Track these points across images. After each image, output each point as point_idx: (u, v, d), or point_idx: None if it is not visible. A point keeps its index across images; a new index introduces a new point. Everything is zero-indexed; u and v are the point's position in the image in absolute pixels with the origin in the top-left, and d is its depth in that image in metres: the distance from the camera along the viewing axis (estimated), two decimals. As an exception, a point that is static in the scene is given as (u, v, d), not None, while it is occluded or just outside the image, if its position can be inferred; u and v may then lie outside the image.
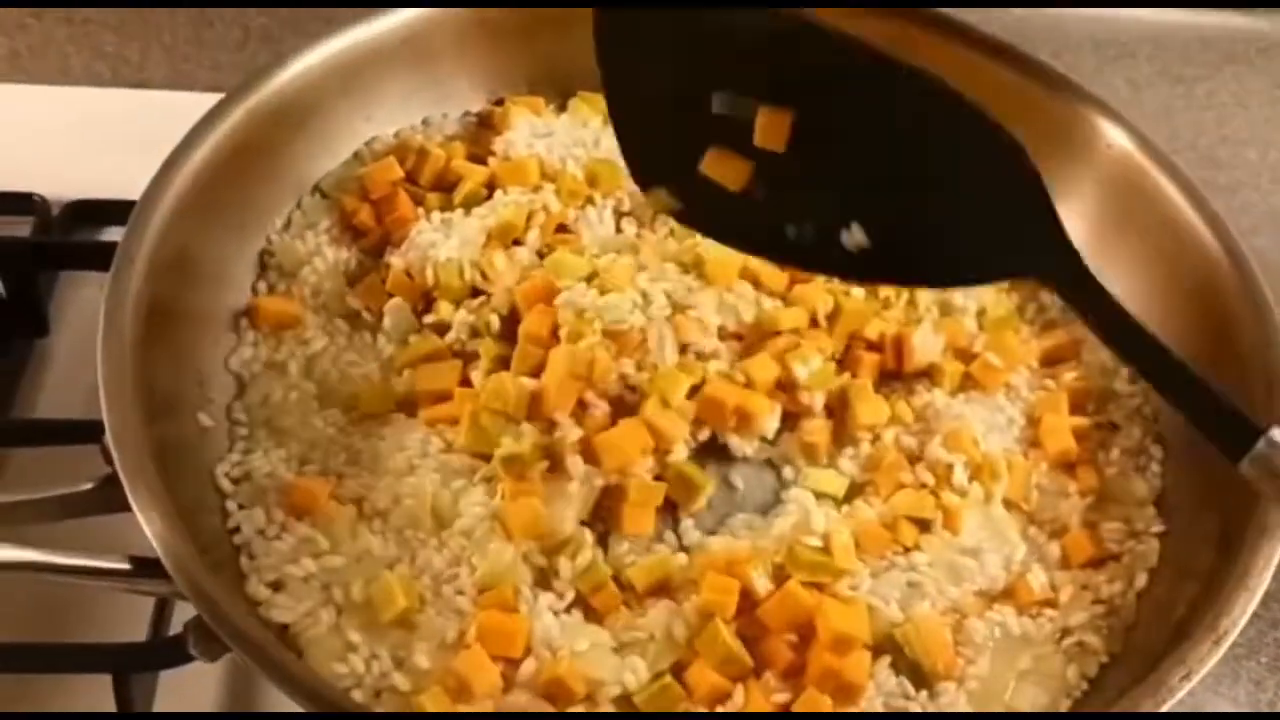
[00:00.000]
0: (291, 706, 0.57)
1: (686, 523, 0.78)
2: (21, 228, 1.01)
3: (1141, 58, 1.38)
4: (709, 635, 0.69)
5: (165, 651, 0.71)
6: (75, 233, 1.02)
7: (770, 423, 0.81)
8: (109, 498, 0.64)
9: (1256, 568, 0.67)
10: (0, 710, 0.72)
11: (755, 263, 0.84)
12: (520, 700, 0.67)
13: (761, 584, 0.71)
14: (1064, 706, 0.71)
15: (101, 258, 0.94)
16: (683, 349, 0.81)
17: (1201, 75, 1.38)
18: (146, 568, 0.62)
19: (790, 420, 0.83)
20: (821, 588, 0.72)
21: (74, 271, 0.98)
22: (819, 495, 0.78)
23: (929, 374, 0.86)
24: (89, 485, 0.65)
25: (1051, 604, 0.76)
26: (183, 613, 0.76)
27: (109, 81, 1.21)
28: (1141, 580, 0.77)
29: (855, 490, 0.80)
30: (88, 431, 0.76)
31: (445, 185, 0.91)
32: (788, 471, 0.81)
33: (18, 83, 1.18)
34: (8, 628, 0.76)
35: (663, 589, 0.74)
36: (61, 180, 1.05)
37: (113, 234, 1.02)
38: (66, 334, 0.97)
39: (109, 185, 1.03)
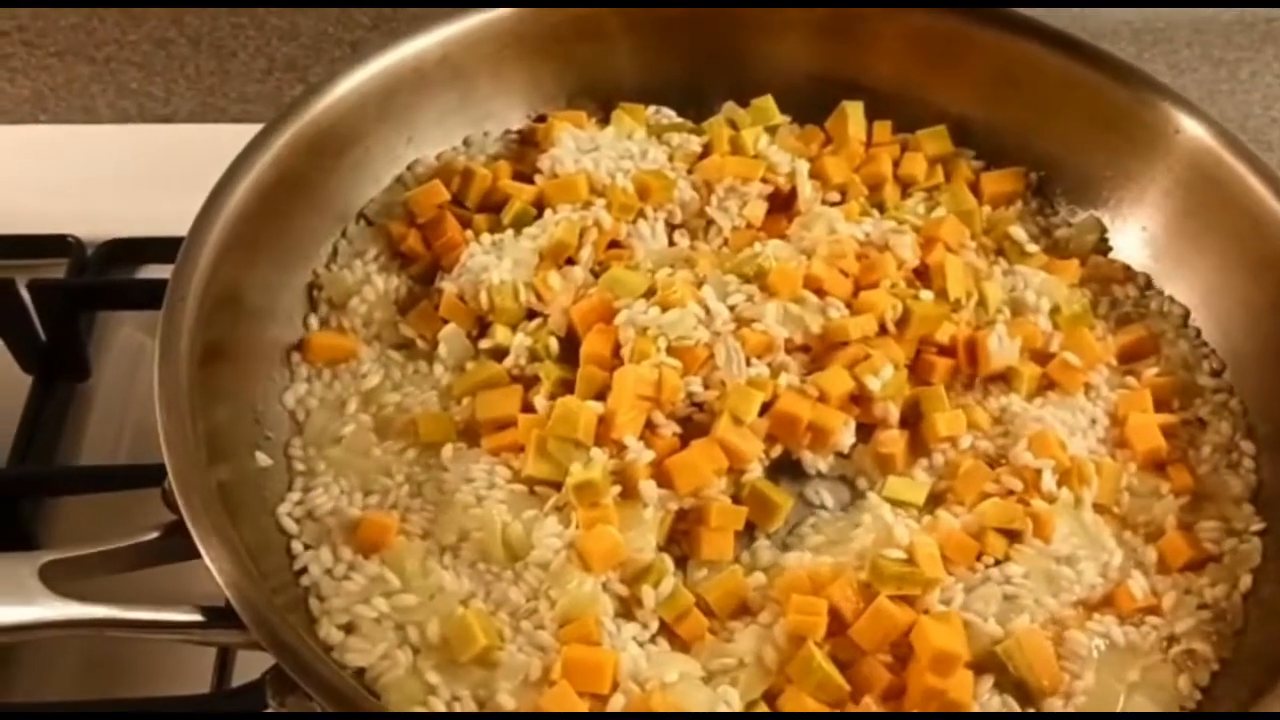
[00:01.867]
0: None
1: (761, 542, 0.75)
2: (57, 270, 1.00)
3: (1180, 42, 1.36)
4: (802, 660, 0.66)
5: (233, 703, 0.69)
6: (111, 272, 1.00)
7: (845, 437, 0.78)
8: (175, 546, 0.62)
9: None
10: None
11: (819, 270, 0.82)
12: (612, 738, 0.64)
13: (850, 602, 0.68)
14: (1181, 720, 0.68)
15: (140, 296, 0.93)
16: (750, 363, 0.78)
17: (1244, 57, 1.35)
18: (219, 618, 0.59)
19: (864, 432, 0.80)
20: (912, 602, 0.69)
21: (111, 312, 0.96)
22: (898, 504, 0.75)
23: (1005, 377, 0.83)
24: (155, 535, 0.62)
25: (1155, 611, 0.73)
26: (244, 662, 0.73)
27: (135, 118, 1.19)
28: (1246, 581, 0.74)
29: (935, 500, 0.77)
30: (143, 476, 0.74)
31: (493, 206, 0.88)
32: (863, 484, 0.78)
33: (44, 123, 1.16)
34: (64, 685, 0.73)
35: (743, 609, 0.71)
36: (94, 220, 1.03)
37: (149, 272, 1.01)
38: (107, 376, 0.95)
39: (142, 223, 1.01)
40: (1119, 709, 0.68)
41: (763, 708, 0.66)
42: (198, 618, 0.60)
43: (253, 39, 1.27)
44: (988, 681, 0.67)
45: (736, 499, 0.76)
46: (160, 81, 1.22)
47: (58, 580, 0.58)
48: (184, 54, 1.25)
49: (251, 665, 0.64)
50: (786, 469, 0.79)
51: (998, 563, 0.72)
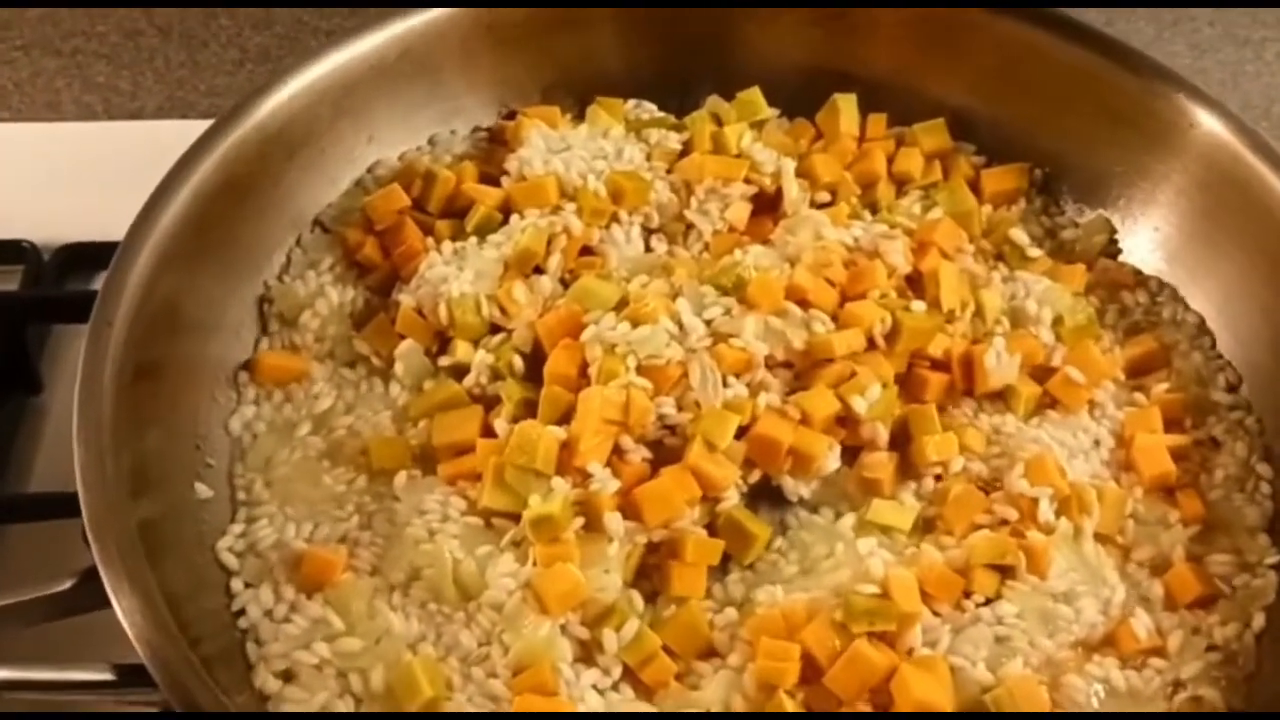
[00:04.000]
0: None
1: (733, 575, 0.70)
2: (11, 277, 0.95)
3: (1202, 20, 1.28)
4: (773, 712, 0.61)
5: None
6: (68, 280, 0.96)
7: (829, 462, 0.73)
8: (93, 594, 0.57)
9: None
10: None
11: (803, 280, 0.76)
12: (565, 799, 0.59)
13: (824, 646, 0.63)
14: (1184, 775, 0.63)
15: (89, 309, 0.88)
16: (727, 382, 0.73)
17: (1270, 36, 1.27)
18: (135, 676, 0.55)
19: (849, 454, 0.74)
20: (893, 644, 0.64)
21: (66, 325, 0.92)
22: (884, 530, 0.70)
23: (1002, 395, 0.77)
24: (69, 583, 0.58)
25: (1159, 653, 0.68)
26: None
27: (101, 114, 1.14)
28: (1259, 620, 0.69)
29: (925, 526, 0.72)
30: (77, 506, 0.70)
31: (456, 211, 0.83)
32: (848, 518, 0.72)
33: (6, 121, 1.12)
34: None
35: (711, 651, 0.67)
36: (53, 224, 0.99)
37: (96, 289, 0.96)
38: (60, 390, 0.91)
39: (103, 226, 0.96)
40: (1118, 763, 0.63)
41: (729, 764, 0.61)
42: (109, 677, 0.55)
43: (225, 28, 1.22)
44: (975, 734, 0.62)
45: (711, 528, 0.71)
46: (128, 75, 1.18)
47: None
48: (153, 45, 1.20)
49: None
50: (766, 495, 0.74)
51: (989, 601, 0.67)
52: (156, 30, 1.21)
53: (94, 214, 0.96)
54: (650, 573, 0.70)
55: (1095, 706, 0.65)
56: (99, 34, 1.20)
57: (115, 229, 0.92)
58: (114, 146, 1.06)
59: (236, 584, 0.67)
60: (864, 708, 0.63)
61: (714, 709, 0.63)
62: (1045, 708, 0.63)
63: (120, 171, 0.99)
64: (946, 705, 0.62)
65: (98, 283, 0.94)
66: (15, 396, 0.89)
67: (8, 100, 1.14)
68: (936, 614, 0.66)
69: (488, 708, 0.62)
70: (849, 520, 0.71)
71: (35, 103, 1.14)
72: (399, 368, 0.77)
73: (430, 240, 0.81)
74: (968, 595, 0.67)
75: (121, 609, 0.55)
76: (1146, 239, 0.86)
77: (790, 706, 0.62)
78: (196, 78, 1.18)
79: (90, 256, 0.96)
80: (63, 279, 0.96)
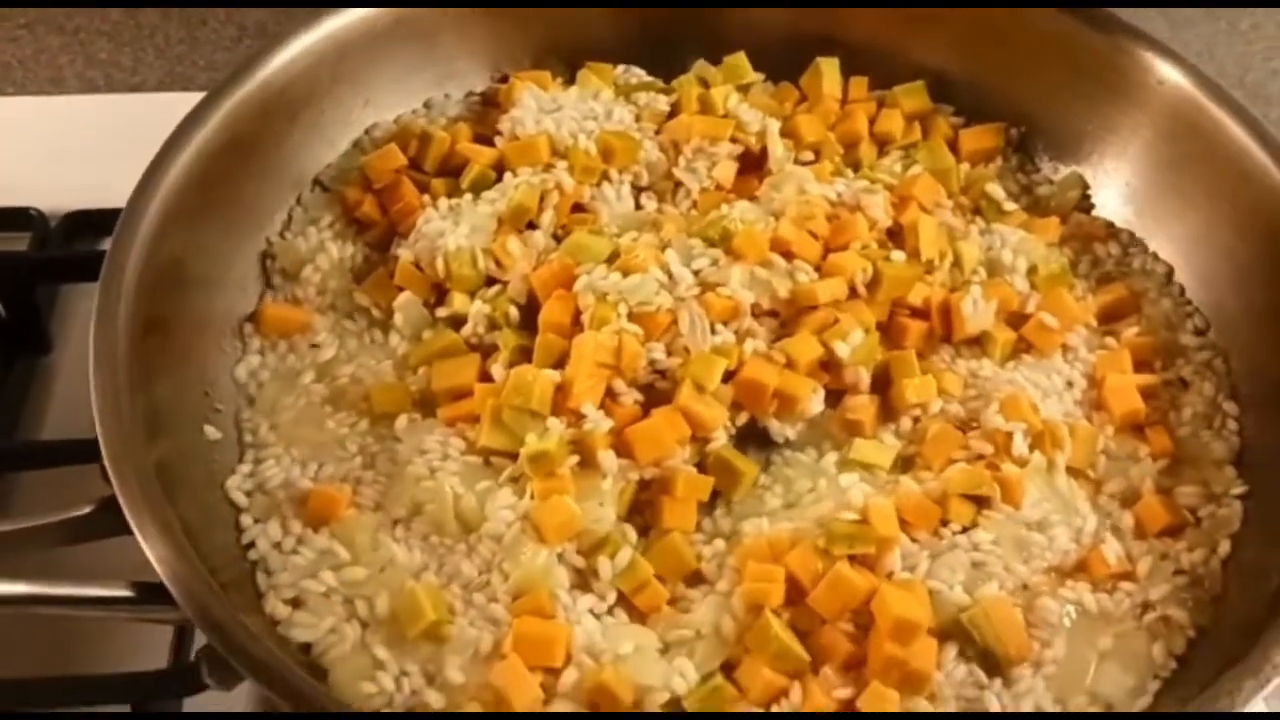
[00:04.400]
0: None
1: (720, 510, 0.73)
2: (19, 244, 0.98)
3: (1180, -5, 1.31)
4: (759, 630, 0.65)
5: (185, 679, 0.67)
6: (74, 245, 0.99)
7: (814, 404, 0.76)
8: (111, 521, 0.60)
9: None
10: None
11: (787, 232, 0.79)
12: (564, 710, 0.62)
13: (808, 570, 0.66)
14: (1152, 688, 0.66)
15: (99, 269, 0.91)
16: (714, 330, 0.76)
17: (1244, 10, 1.30)
18: (153, 594, 0.58)
19: (833, 398, 0.77)
20: (872, 567, 0.67)
21: (73, 285, 0.94)
22: (865, 467, 0.73)
23: (979, 340, 0.80)
24: (88, 509, 0.61)
25: (1129, 577, 0.71)
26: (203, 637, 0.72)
27: (103, 89, 1.17)
28: (1225, 547, 0.72)
29: (904, 464, 0.75)
30: (92, 451, 0.72)
31: (451, 170, 0.86)
32: (831, 455, 0.75)
33: (11, 95, 1.15)
34: (22, 663, 0.72)
35: (699, 578, 0.70)
36: (59, 192, 1.01)
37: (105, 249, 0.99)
38: (69, 350, 0.94)
39: (107, 194, 0.98)
40: (1090, 678, 0.66)
41: (720, 680, 0.64)
42: (128, 593, 0.58)
43: (223, 5, 1.24)
44: (952, 650, 0.66)
45: (701, 468, 0.74)
46: (129, 51, 1.20)
47: (-14, 555, 0.57)
48: (153, 22, 1.22)
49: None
50: (753, 437, 0.77)
51: (965, 530, 0.70)
52: (156, 9, 1.24)
53: (98, 182, 0.98)
54: (643, 509, 0.73)
55: (1068, 626, 0.67)
56: (100, 12, 1.23)
57: (119, 196, 0.95)
58: (116, 118, 1.09)
59: (246, 519, 0.70)
60: (846, 627, 0.66)
61: (703, 630, 0.66)
62: (1019, 627, 0.66)
63: (124, 141, 1.01)
64: (926, 622, 0.64)
65: (104, 245, 0.99)
66: (26, 356, 0.91)
67: (11, 76, 1.17)
68: (915, 541, 0.69)
69: (489, 630, 0.65)
70: (832, 457, 0.74)
71: (39, 78, 1.17)
72: (398, 318, 0.80)
73: (426, 198, 0.84)
74: (945, 524, 0.70)
75: (140, 530, 0.57)
76: (1118, 192, 0.89)
77: (776, 626, 0.64)
78: (196, 53, 1.20)
79: (95, 222, 0.99)
80: (69, 244, 0.98)
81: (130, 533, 0.59)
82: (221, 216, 0.80)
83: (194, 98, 0.83)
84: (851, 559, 0.67)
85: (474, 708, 0.61)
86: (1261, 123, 0.80)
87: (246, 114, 0.80)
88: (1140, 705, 0.65)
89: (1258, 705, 0.60)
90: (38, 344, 0.92)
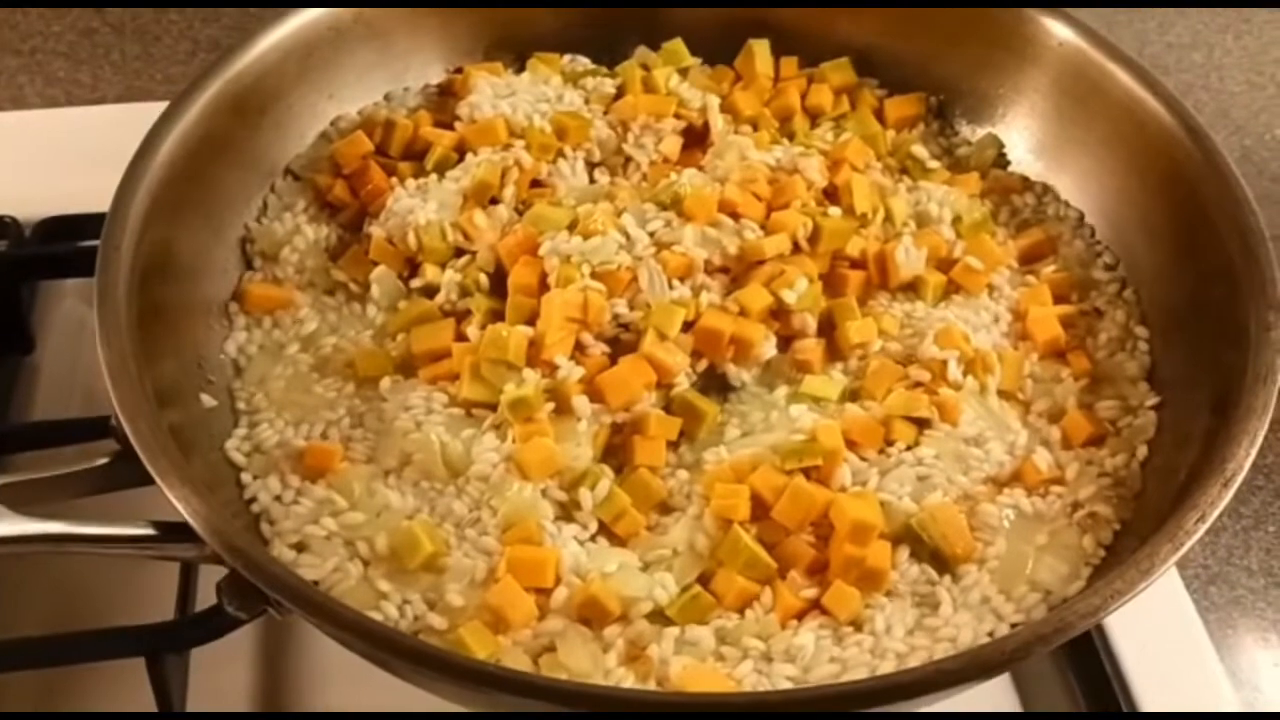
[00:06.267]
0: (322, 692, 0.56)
1: (684, 446, 0.79)
2: (-5, 250, 1.01)
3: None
4: (730, 542, 0.71)
5: (198, 628, 0.71)
6: (49, 247, 1.02)
7: (766, 349, 0.82)
8: (122, 473, 0.64)
9: (1255, 411, 0.69)
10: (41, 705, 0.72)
11: (733, 194, 0.86)
12: (557, 626, 0.67)
13: (769, 488, 0.72)
14: (1084, 574, 0.73)
15: (79, 263, 0.95)
16: (671, 285, 0.82)
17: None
18: (173, 532, 0.62)
19: (782, 344, 0.84)
20: (827, 482, 0.73)
21: (52, 284, 0.98)
22: (815, 400, 0.79)
23: (913, 285, 0.88)
24: (103, 460, 0.65)
25: (1059, 481, 0.78)
26: (206, 588, 0.76)
27: (65, 106, 1.20)
28: (1142, 451, 0.79)
29: (850, 397, 0.81)
30: (91, 429, 0.77)
31: (415, 154, 0.92)
32: (782, 390, 0.82)
33: (-28, 115, 1.18)
34: (30, 619, 0.75)
35: (668, 507, 0.75)
36: (30, 201, 1.04)
37: (86, 245, 1.02)
38: (51, 348, 0.97)
39: (77, 201, 1.02)
40: (1029, 569, 0.72)
41: (697, 589, 0.70)
42: (152, 532, 0.63)
43: (175, 23, 1.29)
44: (905, 551, 0.72)
45: (666, 411, 0.80)
46: (87, 69, 1.24)
47: (14, 502, 0.61)
48: (108, 41, 1.27)
49: (213, 592, 0.66)
50: (713, 383, 0.83)
51: (910, 448, 0.77)
52: (110, 28, 1.28)
53: (70, 190, 1.03)
54: (616, 452, 0.79)
55: (1006, 528, 0.74)
56: (55, 34, 1.27)
57: (91, 201, 1.00)
58: (80, 129, 1.12)
59: (245, 477, 0.75)
60: (808, 538, 0.72)
61: (679, 548, 0.72)
62: (963, 528, 0.73)
63: (89, 151, 1.05)
64: (879, 526, 0.71)
65: (83, 245, 1.02)
66: (9, 356, 0.95)
67: (-27, 97, 1.20)
68: (864, 460, 0.76)
69: (483, 559, 0.70)
70: (782, 391, 0.80)
71: (0, 98, 1.20)
72: (375, 291, 0.85)
73: (394, 180, 0.90)
74: (891, 444, 0.77)
75: (159, 475, 0.61)
76: (1029, 149, 0.97)
77: (746, 539, 0.71)
78: (152, 68, 1.25)
79: (69, 227, 1.02)
80: (45, 247, 1.02)
81: (139, 485, 0.63)
82: (202, 207, 0.84)
83: (156, 106, 0.87)
84: (806, 475, 0.73)
85: (476, 625, 0.66)
86: (1151, 72, 0.88)
87: (221, 109, 0.84)
88: (1074, 589, 0.72)
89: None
90: (19, 343, 0.95)
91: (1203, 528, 0.65)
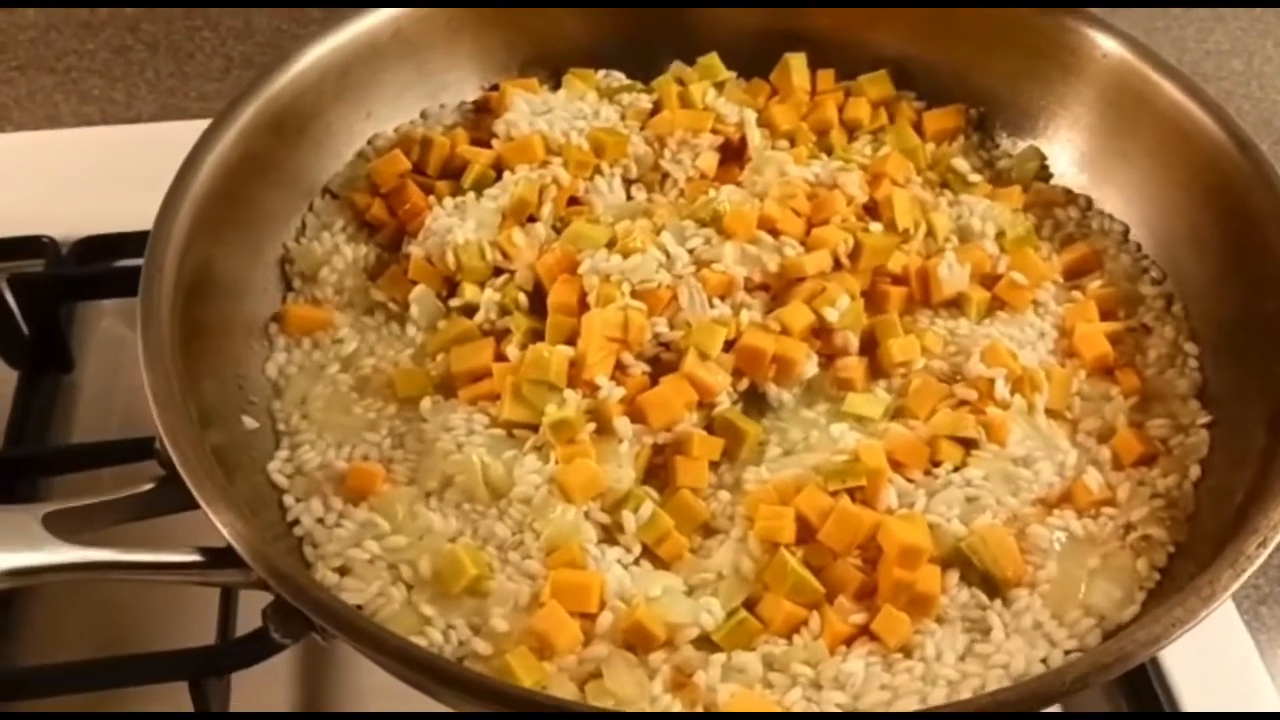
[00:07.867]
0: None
1: (723, 465, 0.78)
2: (34, 270, 1.01)
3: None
4: (777, 565, 0.70)
5: (241, 652, 0.71)
6: (87, 267, 1.02)
7: (808, 368, 0.81)
8: (166, 498, 0.64)
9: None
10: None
11: (772, 210, 0.85)
12: (602, 651, 0.67)
13: (815, 509, 0.71)
14: (1138, 598, 0.72)
15: (118, 283, 0.95)
16: (712, 303, 0.81)
17: (1177, -9, 1.39)
18: (219, 558, 0.62)
19: (825, 363, 0.83)
20: (873, 504, 0.72)
21: (91, 304, 0.99)
22: (857, 419, 0.78)
23: (956, 302, 0.87)
24: (148, 486, 0.65)
25: (1110, 503, 0.76)
26: (247, 613, 0.76)
27: (99, 124, 1.21)
28: (1195, 471, 0.78)
29: (893, 415, 0.80)
30: (132, 450, 0.76)
31: (453, 172, 0.91)
32: (823, 408, 0.81)
33: (9, 132, 1.18)
34: (72, 643, 0.75)
35: (711, 529, 0.74)
36: (68, 221, 1.05)
37: (124, 265, 1.02)
38: (91, 367, 0.97)
39: (114, 220, 1.03)
40: (1082, 594, 0.71)
41: (744, 614, 0.69)
42: (198, 558, 0.62)
43: (208, 40, 1.30)
44: (954, 575, 0.71)
45: (708, 431, 0.79)
46: (121, 87, 1.25)
47: (60, 529, 0.60)
48: (142, 59, 1.27)
49: (254, 616, 0.66)
50: (753, 402, 0.82)
51: (957, 469, 0.76)
52: (144, 45, 1.29)
53: (105, 209, 1.03)
54: (657, 472, 0.78)
55: (1057, 550, 0.73)
56: (89, 51, 1.28)
57: (128, 221, 1.00)
58: (116, 148, 1.12)
59: (288, 499, 0.74)
60: (855, 562, 0.71)
61: (724, 572, 0.71)
62: (1014, 551, 0.71)
63: (125, 170, 1.06)
64: (929, 549, 0.70)
65: (121, 264, 1.03)
66: (50, 375, 0.95)
67: (9, 115, 1.21)
68: (911, 481, 0.74)
69: (526, 584, 0.69)
70: (823, 410, 0.79)
71: (36, 116, 1.21)
72: (414, 310, 0.84)
73: (431, 199, 0.89)
74: (938, 465, 0.76)
75: (204, 500, 0.61)
76: (1073, 161, 0.96)
77: (793, 562, 0.70)
78: (186, 86, 1.25)
79: (106, 246, 1.03)
80: (82, 266, 1.02)
81: (191, 506, 0.63)
82: (242, 226, 0.84)
83: (193, 125, 0.87)
84: (850, 496, 0.72)
85: (522, 651, 0.65)
86: (1197, 83, 0.87)
87: (260, 129, 0.84)
88: (1129, 613, 0.70)
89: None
90: (60, 362, 0.95)
91: (1264, 553, 0.64)
